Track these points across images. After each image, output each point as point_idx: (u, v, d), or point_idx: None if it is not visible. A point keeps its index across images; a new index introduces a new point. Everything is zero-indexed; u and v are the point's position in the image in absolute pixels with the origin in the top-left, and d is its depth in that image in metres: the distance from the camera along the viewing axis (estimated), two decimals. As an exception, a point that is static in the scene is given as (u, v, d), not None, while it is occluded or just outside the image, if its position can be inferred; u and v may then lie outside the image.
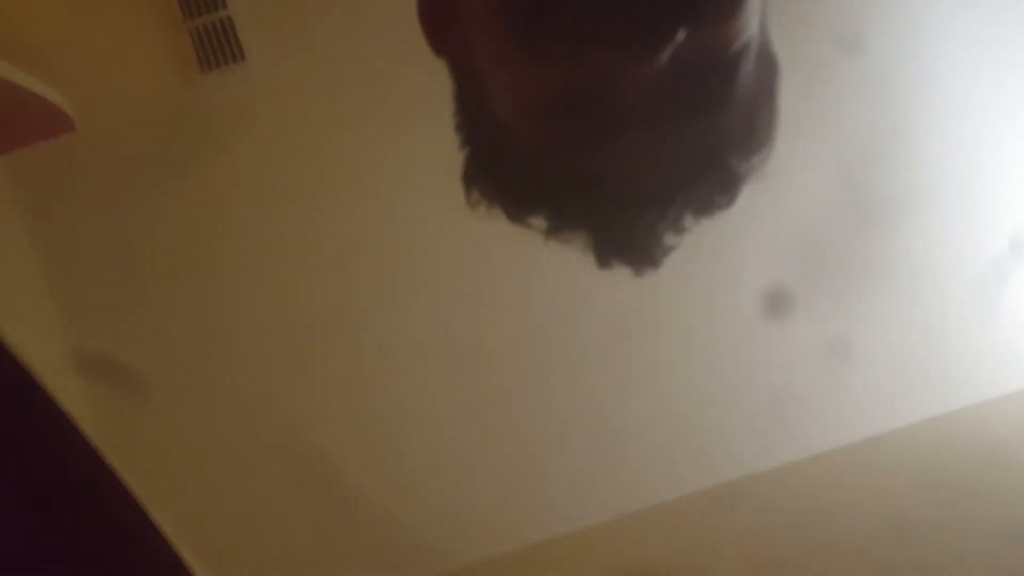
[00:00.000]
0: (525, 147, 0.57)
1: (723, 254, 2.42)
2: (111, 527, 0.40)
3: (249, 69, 2.26)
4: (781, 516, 2.08)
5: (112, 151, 2.22)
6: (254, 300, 2.26)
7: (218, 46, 2.23)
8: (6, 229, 2.18)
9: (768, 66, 0.60)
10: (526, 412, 2.35)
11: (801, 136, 2.43)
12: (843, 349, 2.36)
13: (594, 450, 2.36)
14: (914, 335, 2.43)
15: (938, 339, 2.43)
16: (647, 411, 2.39)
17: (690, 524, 2.20)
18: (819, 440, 2.37)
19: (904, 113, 2.48)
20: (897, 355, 2.42)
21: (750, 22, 0.52)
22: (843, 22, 2.45)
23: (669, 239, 0.61)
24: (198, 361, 2.25)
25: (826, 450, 2.36)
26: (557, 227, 0.60)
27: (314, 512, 2.26)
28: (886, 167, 2.47)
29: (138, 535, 0.43)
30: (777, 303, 2.38)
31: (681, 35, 0.47)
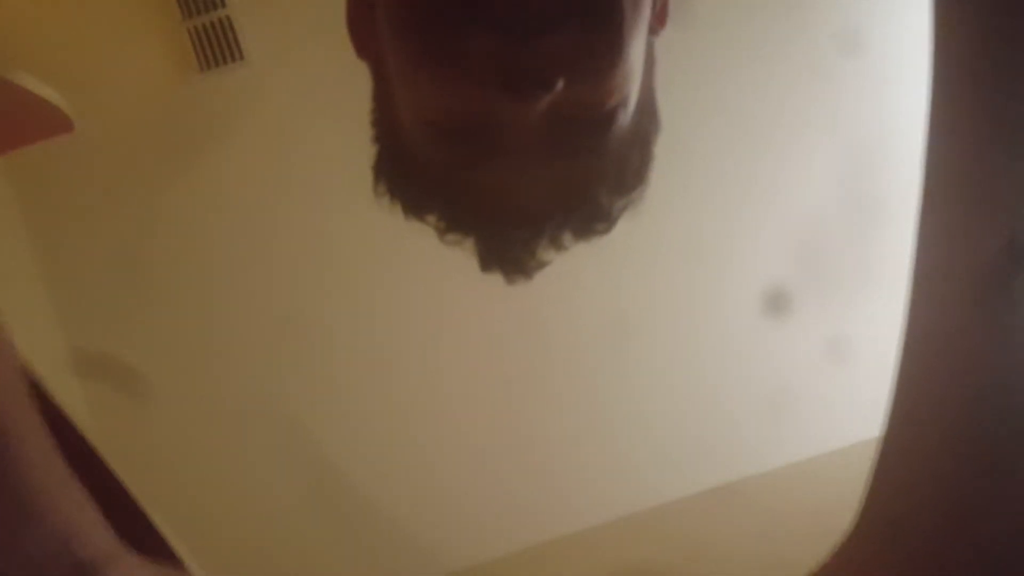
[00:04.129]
0: (422, 153, 0.63)
1: (723, 254, 2.42)
2: (109, 527, 0.40)
3: (248, 69, 2.25)
4: (781, 516, 2.08)
5: (110, 150, 2.22)
6: (254, 299, 2.26)
7: (217, 45, 2.23)
8: (5, 229, 2.18)
9: (648, 120, 0.66)
10: (526, 413, 2.35)
11: (801, 136, 2.43)
12: (843, 349, 2.36)
13: (594, 451, 2.36)
14: (914, 335, 2.42)
15: (938, 339, 2.43)
16: (647, 411, 2.39)
17: (690, 524, 2.19)
18: (819, 440, 2.37)
19: (904, 113, 2.48)
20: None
21: (628, 80, 0.58)
22: (843, 22, 2.45)
23: (546, 255, 0.67)
24: (198, 361, 2.25)
25: (826, 450, 2.36)
26: (448, 228, 0.67)
27: (314, 513, 2.26)
28: (886, 167, 2.46)
29: (137, 535, 0.43)
30: (777, 303, 2.38)
31: (560, 86, 0.53)
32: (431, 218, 0.67)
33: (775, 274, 2.39)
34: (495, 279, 0.71)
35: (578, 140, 0.59)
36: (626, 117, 0.60)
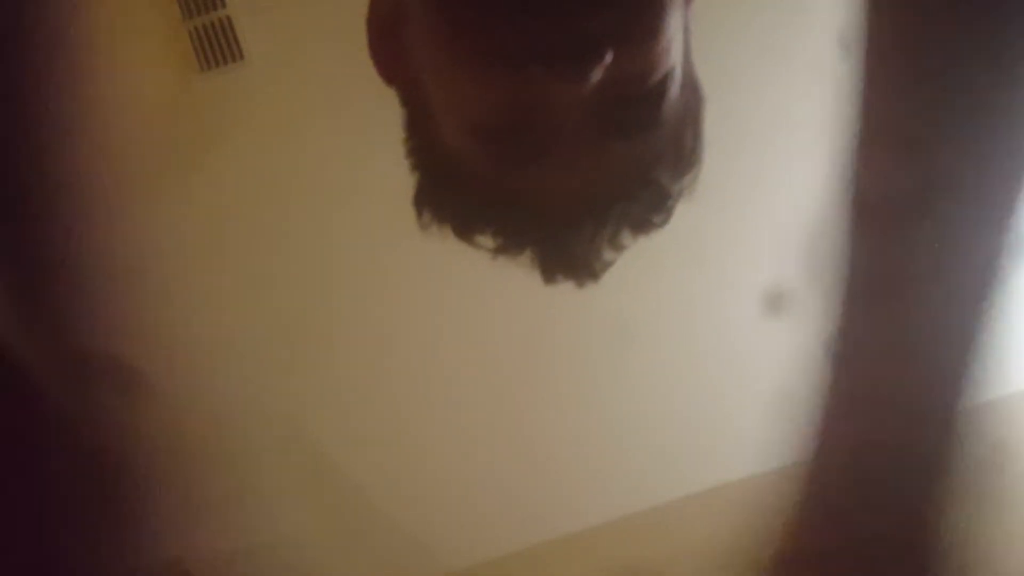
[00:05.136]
0: (470, 167, 0.61)
1: (723, 254, 2.42)
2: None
3: (248, 69, 2.25)
4: (781, 516, 2.08)
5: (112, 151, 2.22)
6: (253, 300, 2.26)
7: (217, 46, 2.23)
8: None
9: (693, 93, 0.65)
10: (525, 412, 2.35)
11: (801, 135, 2.43)
12: (843, 349, 2.36)
13: (594, 451, 2.36)
14: (914, 335, 2.42)
15: (938, 339, 2.43)
16: (647, 411, 2.39)
17: (690, 524, 2.19)
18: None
19: (904, 113, 2.48)
20: (897, 355, 2.42)
21: (671, 49, 0.57)
22: (843, 22, 2.45)
23: (608, 254, 0.66)
24: (197, 361, 2.25)
25: (826, 450, 2.36)
26: (503, 245, 0.65)
27: (313, 512, 2.26)
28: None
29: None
30: (777, 303, 2.38)
31: (609, 56, 0.52)
32: (484, 238, 0.65)
33: (775, 274, 2.39)
34: (494, 280, 0.69)
35: (632, 117, 0.58)
36: (675, 88, 0.59)
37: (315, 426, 2.29)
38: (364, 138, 2.39)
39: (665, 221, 0.66)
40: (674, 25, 0.57)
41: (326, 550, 2.25)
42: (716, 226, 2.38)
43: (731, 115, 2.44)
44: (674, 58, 0.58)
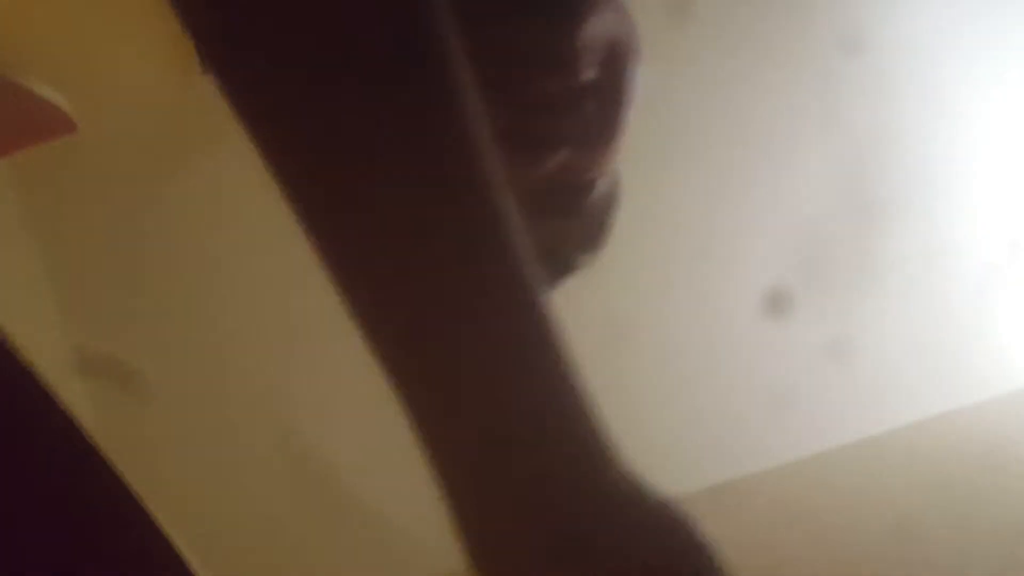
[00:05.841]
0: None
1: (723, 253, 2.42)
2: (113, 526, 0.40)
3: (249, 69, 2.26)
4: (781, 516, 2.08)
5: (113, 151, 2.22)
6: (254, 300, 2.26)
7: (218, 46, 2.24)
8: (7, 230, 2.18)
9: (615, 184, 0.70)
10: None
11: (801, 136, 2.43)
12: (843, 349, 2.37)
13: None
14: (914, 335, 2.43)
15: (938, 338, 2.43)
16: (647, 411, 2.39)
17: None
18: (819, 440, 2.37)
19: (904, 113, 2.48)
20: (897, 355, 2.42)
21: (618, 153, 0.63)
22: (843, 22, 2.45)
23: None
24: (198, 361, 2.25)
25: (826, 450, 2.36)
26: None
27: (314, 512, 2.26)
28: (886, 167, 2.47)
29: (141, 535, 0.43)
30: (777, 303, 2.38)
31: (564, 155, 0.58)
32: None
33: (775, 274, 2.39)
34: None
35: (565, 201, 0.63)
36: (605, 184, 0.65)
37: (314, 425, 2.29)
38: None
39: (554, 292, 0.73)
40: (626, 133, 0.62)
41: (325, 549, 2.26)
42: (717, 225, 2.38)
43: (732, 116, 2.45)
44: (617, 159, 0.64)
